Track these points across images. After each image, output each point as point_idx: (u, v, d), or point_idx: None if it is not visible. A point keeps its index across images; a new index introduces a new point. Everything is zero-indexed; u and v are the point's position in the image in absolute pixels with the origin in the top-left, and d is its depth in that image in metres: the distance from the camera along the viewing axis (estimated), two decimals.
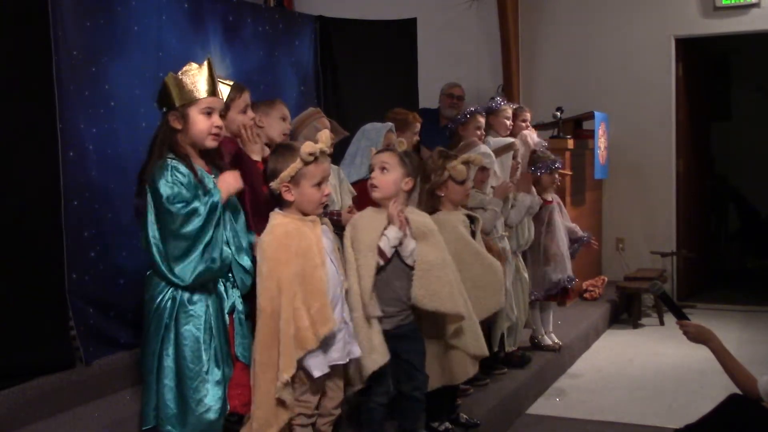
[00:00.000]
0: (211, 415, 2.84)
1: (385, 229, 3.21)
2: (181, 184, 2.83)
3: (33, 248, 3.83)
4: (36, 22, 3.89)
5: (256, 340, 2.91)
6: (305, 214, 3.01)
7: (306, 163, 2.93)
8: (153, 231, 2.84)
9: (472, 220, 3.83)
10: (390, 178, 3.28)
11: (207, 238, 2.83)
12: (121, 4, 4.41)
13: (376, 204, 3.36)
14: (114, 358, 4.11)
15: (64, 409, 3.78)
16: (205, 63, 2.98)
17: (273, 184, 2.96)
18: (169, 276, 2.82)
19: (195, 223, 2.80)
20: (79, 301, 4.03)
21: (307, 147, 2.92)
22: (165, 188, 2.81)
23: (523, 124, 5.74)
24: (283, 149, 3.07)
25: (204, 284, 2.88)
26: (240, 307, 2.99)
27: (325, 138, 3.00)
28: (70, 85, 4.05)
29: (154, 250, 2.84)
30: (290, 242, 2.89)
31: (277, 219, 2.98)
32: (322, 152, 2.98)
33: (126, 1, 4.44)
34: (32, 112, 3.89)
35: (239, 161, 3.44)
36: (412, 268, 3.28)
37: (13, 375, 3.69)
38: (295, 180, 2.95)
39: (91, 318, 4.08)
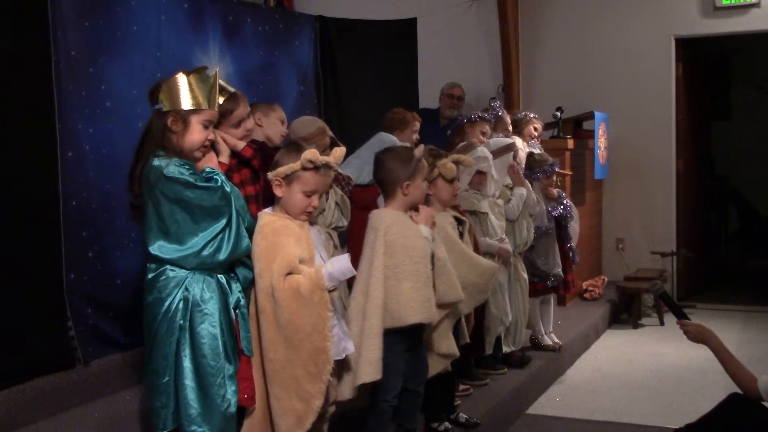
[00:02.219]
0: (232, 409, 2.86)
1: None
2: (187, 169, 2.82)
3: (32, 248, 3.83)
4: (35, 22, 3.89)
5: (266, 340, 2.89)
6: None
7: (304, 168, 2.92)
8: (162, 225, 2.82)
9: (461, 222, 3.83)
10: None
11: (232, 212, 2.83)
12: (121, 4, 4.41)
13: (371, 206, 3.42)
14: (113, 358, 4.10)
15: (63, 409, 3.78)
16: (214, 74, 2.96)
17: (269, 174, 2.97)
18: (194, 261, 2.81)
19: (218, 195, 2.80)
20: (78, 302, 4.03)
21: (309, 154, 2.91)
22: (173, 169, 2.78)
23: (534, 131, 5.75)
24: (293, 147, 3.07)
25: (214, 273, 2.88)
26: (243, 301, 3.00)
27: (338, 155, 3.00)
28: (69, 85, 4.05)
29: (163, 242, 2.82)
30: (278, 239, 2.89)
31: (265, 218, 2.97)
32: (327, 166, 2.96)
33: (125, 1, 4.44)
34: (31, 112, 3.89)
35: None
36: None
37: (13, 375, 3.69)
38: (288, 179, 2.94)
39: (89, 318, 4.08)
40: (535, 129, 5.67)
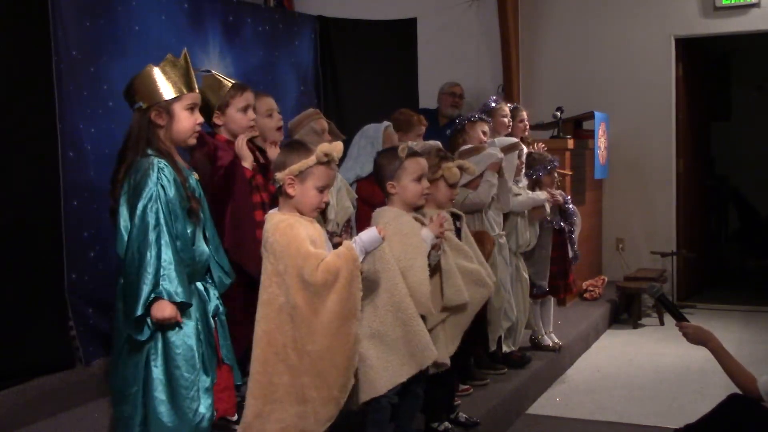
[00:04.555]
0: (205, 424, 2.75)
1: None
2: (162, 187, 2.70)
3: (33, 248, 3.84)
4: (36, 22, 3.89)
5: (302, 334, 2.83)
6: (301, 214, 3.00)
7: (319, 163, 2.92)
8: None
9: (458, 217, 3.82)
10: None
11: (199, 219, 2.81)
12: (121, 3, 4.42)
13: (376, 204, 3.39)
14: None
15: (64, 409, 3.79)
16: (183, 56, 2.87)
17: (279, 175, 2.93)
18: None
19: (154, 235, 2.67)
20: (79, 302, 4.04)
21: (324, 147, 2.92)
22: (151, 187, 2.67)
23: (521, 125, 5.72)
24: (297, 145, 3.05)
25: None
26: (222, 308, 2.93)
27: (339, 149, 2.97)
28: (69, 85, 4.06)
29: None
30: (296, 232, 2.87)
31: (276, 217, 2.95)
32: (332, 159, 2.97)
33: (126, 1, 4.45)
34: (32, 112, 3.90)
35: (233, 170, 3.47)
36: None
37: (14, 375, 3.70)
38: (302, 176, 2.91)
39: (90, 318, 4.09)
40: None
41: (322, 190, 2.95)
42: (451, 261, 3.45)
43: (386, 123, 4.49)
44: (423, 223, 3.36)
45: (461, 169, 3.74)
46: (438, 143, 4.15)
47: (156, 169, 2.70)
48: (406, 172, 3.33)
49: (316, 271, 2.79)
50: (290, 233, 2.87)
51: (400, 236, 3.24)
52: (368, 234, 2.93)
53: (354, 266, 2.82)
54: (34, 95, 3.91)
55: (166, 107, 2.80)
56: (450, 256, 3.47)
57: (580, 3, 7.90)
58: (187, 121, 2.84)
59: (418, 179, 3.35)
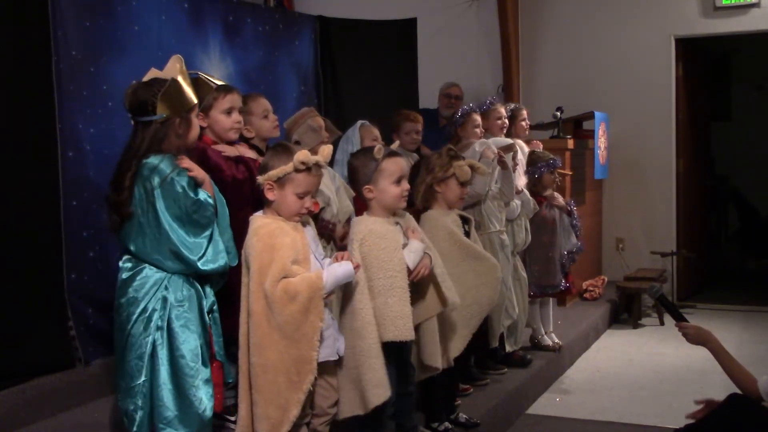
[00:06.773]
0: (209, 413, 2.85)
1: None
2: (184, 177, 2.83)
3: (32, 248, 3.84)
4: (36, 22, 3.89)
5: (252, 343, 2.84)
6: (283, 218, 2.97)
7: (296, 170, 2.88)
8: (168, 221, 2.79)
9: (466, 220, 3.82)
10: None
11: (213, 228, 2.88)
12: (121, 4, 4.42)
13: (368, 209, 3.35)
14: (113, 359, 4.09)
15: (64, 409, 3.79)
16: (183, 63, 2.88)
17: (260, 178, 2.92)
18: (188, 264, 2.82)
19: (209, 210, 2.84)
20: (79, 302, 4.04)
21: (301, 155, 2.86)
22: (180, 176, 2.79)
23: (523, 124, 5.70)
24: (280, 148, 3.01)
25: (190, 281, 2.89)
26: (216, 305, 2.99)
27: (326, 153, 2.93)
28: (69, 85, 4.06)
29: (173, 237, 2.80)
30: (274, 241, 2.84)
31: (258, 221, 2.92)
32: (317, 165, 2.91)
33: (126, 1, 4.45)
34: (32, 112, 3.90)
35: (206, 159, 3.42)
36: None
37: (13, 375, 3.70)
38: (281, 182, 2.88)
39: (90, 318, 4.09)
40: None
41: (302, 196, 2.90)
42: (440, 264, 3.35)
43: (361, 121, 4.50)
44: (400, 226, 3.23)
45: (472, 168, 3.74)
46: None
47: (163, 161, 2.80)
48: (384, 174, 3.12)
49: (275, 285, 2.75)
50: (267, 241, 2.83)
51: (377, 252, 3.07)
52: (343, 268, 2.86)
53: (316, 295, 2.77)
54: (34, 95, 3.91)
55: (186, 117, 2.87)
56: (438, 260, 3.37)
57: (580, 3, 7.90)
58: (197, 128, 2.96)
59: (398, 181, 3.14)
